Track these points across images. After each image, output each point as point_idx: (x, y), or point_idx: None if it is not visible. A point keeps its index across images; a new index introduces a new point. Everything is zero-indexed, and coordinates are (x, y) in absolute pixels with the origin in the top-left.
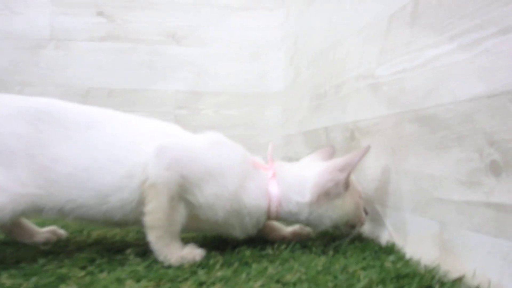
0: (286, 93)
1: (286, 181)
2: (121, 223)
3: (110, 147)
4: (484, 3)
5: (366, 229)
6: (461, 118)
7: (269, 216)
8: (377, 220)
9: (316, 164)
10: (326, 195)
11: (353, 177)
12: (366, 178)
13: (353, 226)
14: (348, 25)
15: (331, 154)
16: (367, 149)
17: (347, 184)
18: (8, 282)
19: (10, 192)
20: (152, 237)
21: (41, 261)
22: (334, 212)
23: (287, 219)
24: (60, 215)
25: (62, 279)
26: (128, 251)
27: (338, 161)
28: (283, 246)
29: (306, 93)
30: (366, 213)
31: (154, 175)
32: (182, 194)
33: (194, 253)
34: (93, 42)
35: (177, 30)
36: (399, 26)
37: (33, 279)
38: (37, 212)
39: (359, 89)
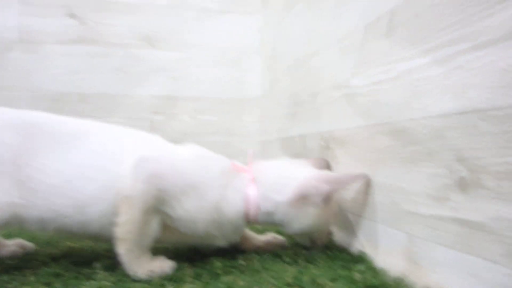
0: (264, 99)
1: (267, 181)
2: (99, 236)
3: (92, 158)
4: (459, 18)
5: (339, 237)
6: (432, 133)
7: (248, 220)
8: (350, 230)
9: (306, 169)
10: (304, 199)
11: (336, 199)
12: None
13: (314, 242)
14: (325, 34)
15: (323, 166)
16: (362, 176)
17: (327, 199)
18: None
19: None
20: (122, 250)
21: (4, 277)
22: (305, 219)
23: (264, 221)
24: (40, 226)
25: None
26: (97, 264)
27: (330, 174)
28: (255, 257)
29: (283, 100)
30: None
31: (129, 187)
32: (159, 207)
33: (164, 265)
34: (64, 45)
35: (153, 34)
36: (375, 37)
37: None
38: (18, 223)
39: (334, 99)
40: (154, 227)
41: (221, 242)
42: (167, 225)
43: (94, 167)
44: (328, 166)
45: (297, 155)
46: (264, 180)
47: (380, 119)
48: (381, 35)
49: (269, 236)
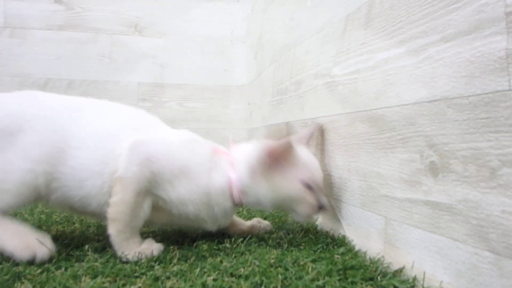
0: (251, 87)
1: (239, 163)
2: (97, 214)
3: (93, 130)
4: (430, 10)
5: (321, 222)
6: (405, 120)
7: (234, 202)
8: (332, 215)
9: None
10: (253, 172)
11: (311, 166)
12: (323, 173)
13: (300, 215)
14: (308, 24)
15: (304, 141)
16: (288, 142)
17: (268, 166)
18: None
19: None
20: (113, 230)
21: None
22: (266, 191)
23: (247, 202)
24: (46, 194)
25: (18, 277)
26: (86, 246)
27: (269, 142)
28: (240, 240)
29: (268, 88)
30: (321, 207)
31: (123, 169)
32: (151, 189)
33: (152, 247)
34: (51, 30)
35: (140, 21)
36: (354, 27)
37: None
38: (38, 199)
39: (317, 87)
40: (145, 209)
41: (211, 226)
42: (159, 207)
43: (93, 140)
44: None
45: None
46: (237, 162)
47: (358, 107)
48: (360, 25)
49: (254, 221)
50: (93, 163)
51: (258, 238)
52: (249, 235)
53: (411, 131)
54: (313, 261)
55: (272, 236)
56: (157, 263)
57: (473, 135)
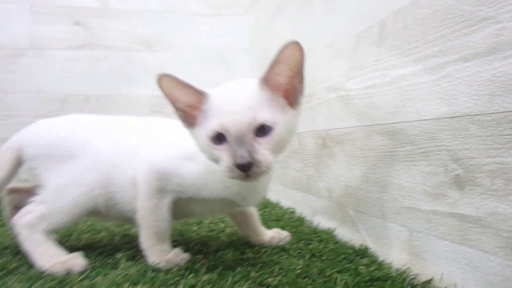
0: None
1: None
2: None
3: (123, 148)
4: (446, 32)
5: (340, 232)
6: (426, 135)
7: None
8: (351, 225)
9: None
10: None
11: (222, 112)
12: (339, 184)
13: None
14: (316, 38)
15: None
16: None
17: (187, 123)
18: (18, 285)
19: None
20: (142, 236)
21: None
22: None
23: None
24: (106, 211)
25: (62, 284)
26: (119, 255)
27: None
28: (263, 250)
29: None
30: (237, 166)
31: (136, 177)
32: (165, 186)
33: (180, 257)
34: (70, 50)
35: (149, 37)
36: (367, 44)
37: (38, 283)
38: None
39: (330, 100)
40: (164, 211)
41: (240, 201)
42: (189, 201)
43: (123, 156)
44: None
45: (293, 152)
46: None
47: (375, 120)
48: (372, 43)
49: (274, 231)
50: (128, 176)
51: (279, 248)
52: (270, 246)
53: (433, 145)
54: (339, 272)
55: (293, 246)
56: (187, 272)
57: (498, 150)
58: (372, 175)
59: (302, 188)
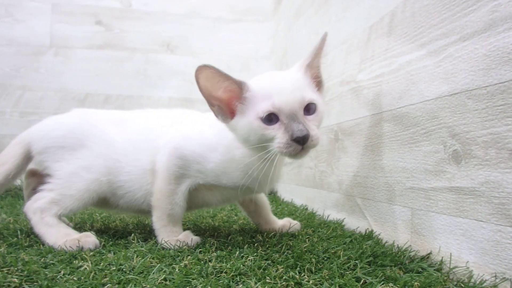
0: None
1: None
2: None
3: (140, 137)
4: (449, 14)
5: (348, 221)
6: (428, 115)
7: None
8: (358, 213)
9: None
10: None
11: (271, 94)
12: (349, 175)
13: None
14: (333, 36)
15: None
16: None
17: (222, 112)
18: (27, 257)
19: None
20: (154, 217)
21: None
22: (238, 139)
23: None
24: (115, 201)
25: (74, 257)
26: (131, 236)
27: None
28: (272, 234)
29: None
30: (294, 139)
31: (157, 162)
32: (185, 173)
33: (189, 238)
34: (91, 49)
35: (171, 40)
36: (378, 35)
37: (49, 256)
38: (97, 200)
39: (342, 94)
40: (179, 196)
41: (256, 187)
42: (206, 190)
43: (135, 145)
44: None
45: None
46: None
47: (383, 107)
48: (383, 34)
49: (285, 220)
50: (143, 164)
51: (289, 234)
52: (281, 232)
53: (434, 125)
54: (343, 249)
55: (302, 232)
56: (197, 249)
57: (491, 121)
58: (379, 161)
59: (315, 185)
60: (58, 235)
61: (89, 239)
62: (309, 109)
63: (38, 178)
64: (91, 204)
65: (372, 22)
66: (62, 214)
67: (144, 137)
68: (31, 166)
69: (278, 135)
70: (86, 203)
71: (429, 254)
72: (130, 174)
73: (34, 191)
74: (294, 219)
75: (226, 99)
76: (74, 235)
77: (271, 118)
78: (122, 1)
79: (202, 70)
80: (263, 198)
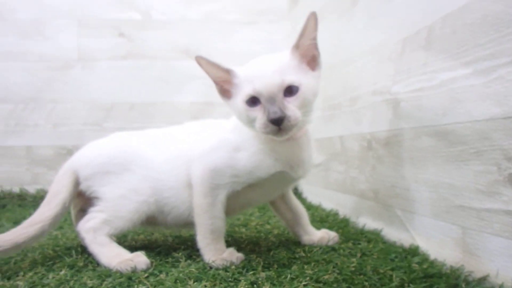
0: None
1: None
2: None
3: (173, 153)
4: (497, 35)
5: (388, 232)
6: (478, 135)
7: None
8: (399, 225)
9: None
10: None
11: (253, 78)
12: (385, 185)
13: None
14: (360, 44)
15: None
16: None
17: (224, 94)
18: (89, 282)
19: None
20: (198, 236)
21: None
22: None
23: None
24: (163, 218)
25: (131, 280)
26: (179, 253)
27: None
28: (313, 249)
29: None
30: (271, 120)
31: (192, 177)
32: (218, 183)
33: (235, 256)
34: (115, 60)
35: (189, 46)
36: (413, 48)
37: (109, 279)
38: (145, 220)
39: (375, 104)
40: (219, 208)
41: (290, 171)
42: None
43: (170, 160)
44: None
45: (335, 154)
46: None
47: (424, 122)
48: (419, 47)
49: (323, 232)
50: (181, 178)
51: (329, 248)
52: (320, 246)
53: (486, 145)
54: (392, 269)
55: (342, 246)
56: (245, 269)
57: None
58: (421, 175)
59: (345, 190)
60: (111, 254)
61: (141, 259)
62: (290, 90)
63: (84, 198)
64: (140, 224)
65: (406, 34)
66: (112, 234)
67: (177, 152)
68: None
69: (259, 116)
70: (136, 224)
71: (486, 276)
72: (172, 190)
73: (81, 211)
74: (327, 226)
75: (222, 82)
76: (126, 255)
77: (254, 101)
78: (142, 12)
79: (199, 60)
80: (300, 206)
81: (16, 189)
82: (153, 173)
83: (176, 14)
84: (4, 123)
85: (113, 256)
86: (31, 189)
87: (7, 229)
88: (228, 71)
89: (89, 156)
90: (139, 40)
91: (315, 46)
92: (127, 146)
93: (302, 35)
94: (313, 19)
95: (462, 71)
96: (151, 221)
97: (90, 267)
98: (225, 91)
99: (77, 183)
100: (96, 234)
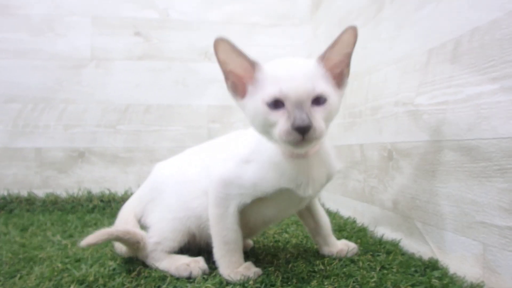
0: None
1: None
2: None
3: (200, 166)
4: None
5: (406, 244)
6: (503, 152)
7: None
8: (418, 237)
9: None
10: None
11: (279, 80)
12: (405, 196)
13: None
14: (384, 53)
15: None
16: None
17: (237, 91)
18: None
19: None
20: (214, 248)
21: (118, 279)
22: (248, 121)
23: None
24: (199, 234)
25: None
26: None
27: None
28: (333, 262)
29: None
30: (296, 128)
31: (208, 188)
32: (228, 193)
33: (251, 271)
34: (131, 61)
35: (209, 48)
36: (439, 61)
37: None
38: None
39: (397, 114)
40: (231, 221)
41: (296, 189)
42: (256, 208)
43: (202, 168)
44: None
45: (354, 163)
46: None
47: (448, 136)
48: (445, 60)
49: (342, 243)
50: (205, 189)
51: (348, 260)
52: (339, 257)
53: (510, 163)
54: (412, 285)
55: (361, 258)
56: (263, 284)
57: None
58: (442, 189)
59: (364, 199)
60: (170, 261)
61: (198, 265)
62: (318, 101)
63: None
64: (187, 241)
65: (431, 45)
66: (167, 252)
67: (202, 164)
68: None
69: (281, 121)
70: (181, 240)
71: None
72: (198, 199)
73: None
74: (346, 235)
75: (239, 75)
76: (184, 259)
77: (276, 104)
78: (160, 11)
79: (219, 43)
80: (324, 217)
81: (24, 193)
82: (182, 187)
83: (195, 15)
84: (12, 124)
85: (172, 262)
86: (40, 193)
87: (13, 236)
88: (253, 64)
89: (140, 195)
90: (156, 40)
91: (347, 63)
92: (160, 171)
93: (332, 47)
94: (351, 34)
95: (489, 87)
96: (192, 236)
97: (100, 281)
98: (238, 88)
99: (138, 219)
100: (153, 254)
